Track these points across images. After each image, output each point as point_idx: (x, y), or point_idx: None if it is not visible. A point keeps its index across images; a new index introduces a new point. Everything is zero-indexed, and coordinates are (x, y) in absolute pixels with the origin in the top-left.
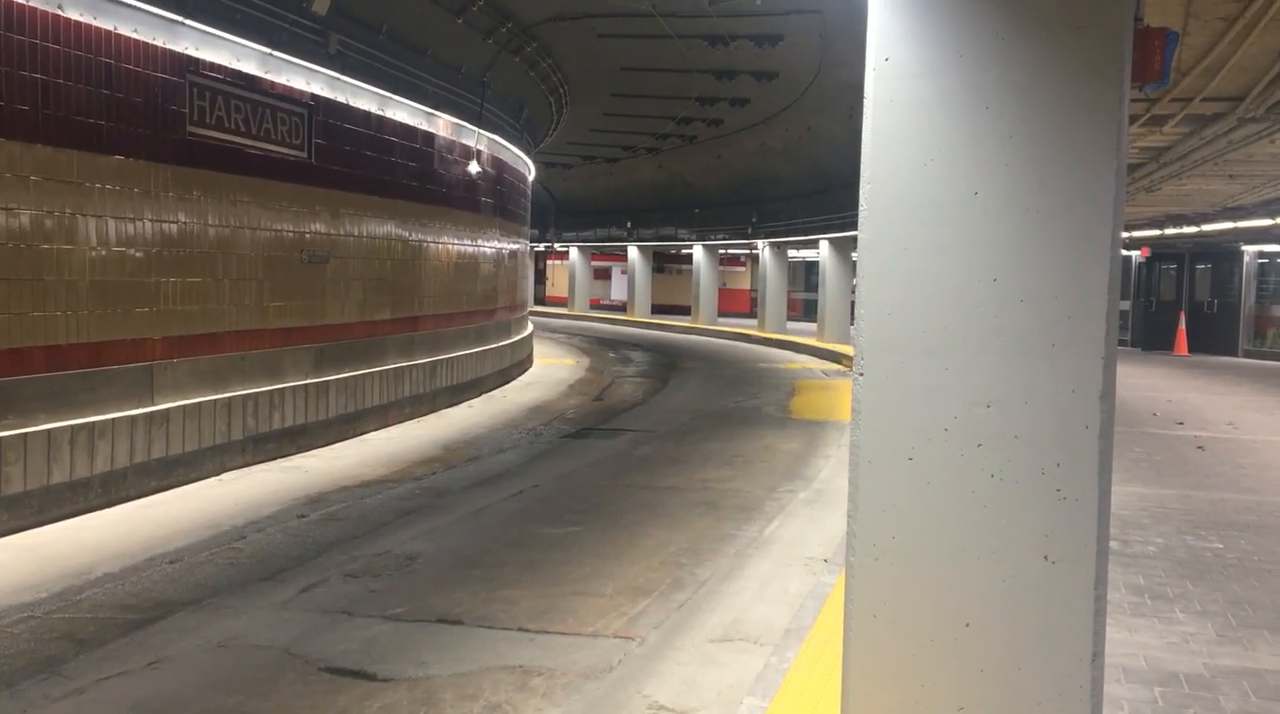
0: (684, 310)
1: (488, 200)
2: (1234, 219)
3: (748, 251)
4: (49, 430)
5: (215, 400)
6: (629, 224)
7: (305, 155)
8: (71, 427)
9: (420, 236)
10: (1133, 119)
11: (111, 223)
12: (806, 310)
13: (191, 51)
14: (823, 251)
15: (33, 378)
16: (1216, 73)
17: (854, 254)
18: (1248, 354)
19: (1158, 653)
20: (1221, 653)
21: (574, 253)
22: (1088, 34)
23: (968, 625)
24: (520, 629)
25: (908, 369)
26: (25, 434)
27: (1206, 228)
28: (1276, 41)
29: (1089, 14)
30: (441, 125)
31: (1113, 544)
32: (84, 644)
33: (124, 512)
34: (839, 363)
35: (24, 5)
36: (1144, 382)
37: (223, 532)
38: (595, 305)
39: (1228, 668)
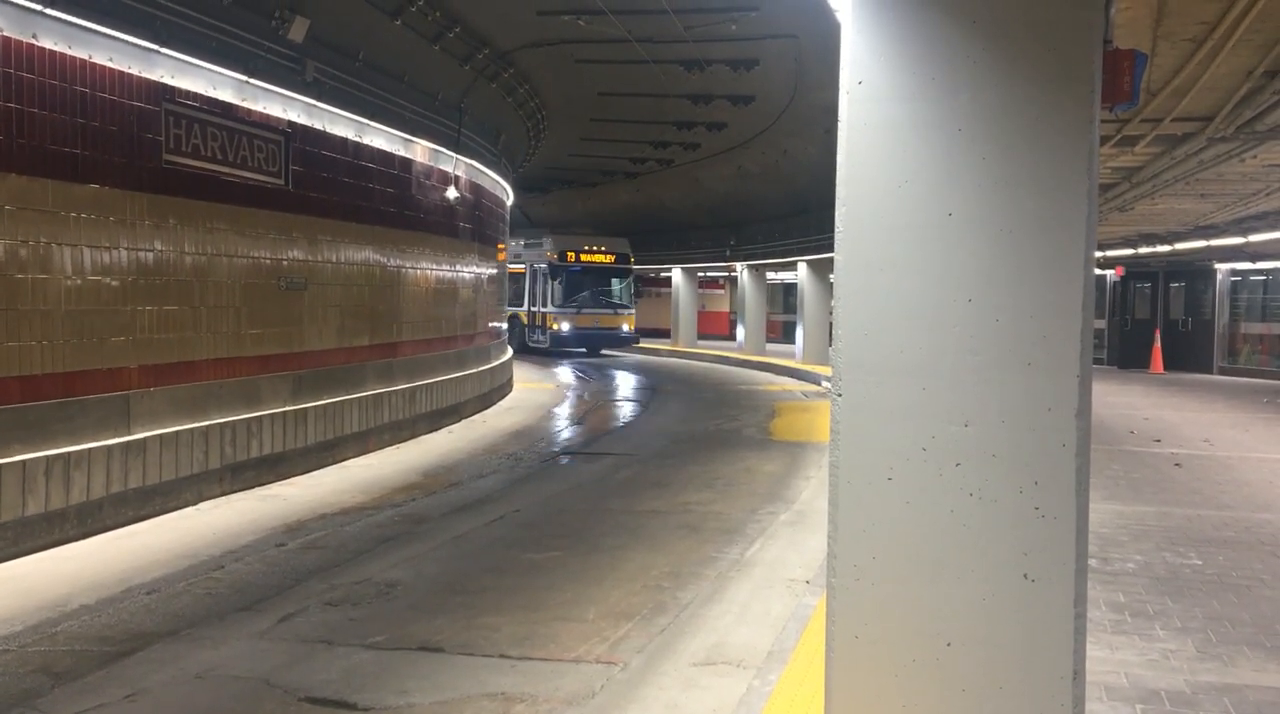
0: (663, 333)
1: (466, 225)
2: (1206, 237)
3: (726, 274)
4: (24, 461)
5: (193, 429)
6: None
7: (282, 182)
8: (47, 457)
9: (398, 262)
10: (1104, 140)
11: (87, 252)
12: (786, 332)
13: (167, 79)
14: (801, 273)
15: (7, 409)
16: (1186, 93)
17: (832, 276)
18: (1222, 371)
19: (1139, 670)
20: (1202, 669)
21: None
22: (1058, 57)
23: (949, 645)
24: (502, 656)
25: (886, 389)
26: (0, 466)
27: (1180, 246)
28: (1244, 62)
29: (1058, 37)
30: (419, 151)
31: (1092, 562)
32: (60, 677)
33: (101, 542)
34: (818, 384)
35: None
36: (1121, 399)
37: (201, 561)
38: None
39: (1209, 684)
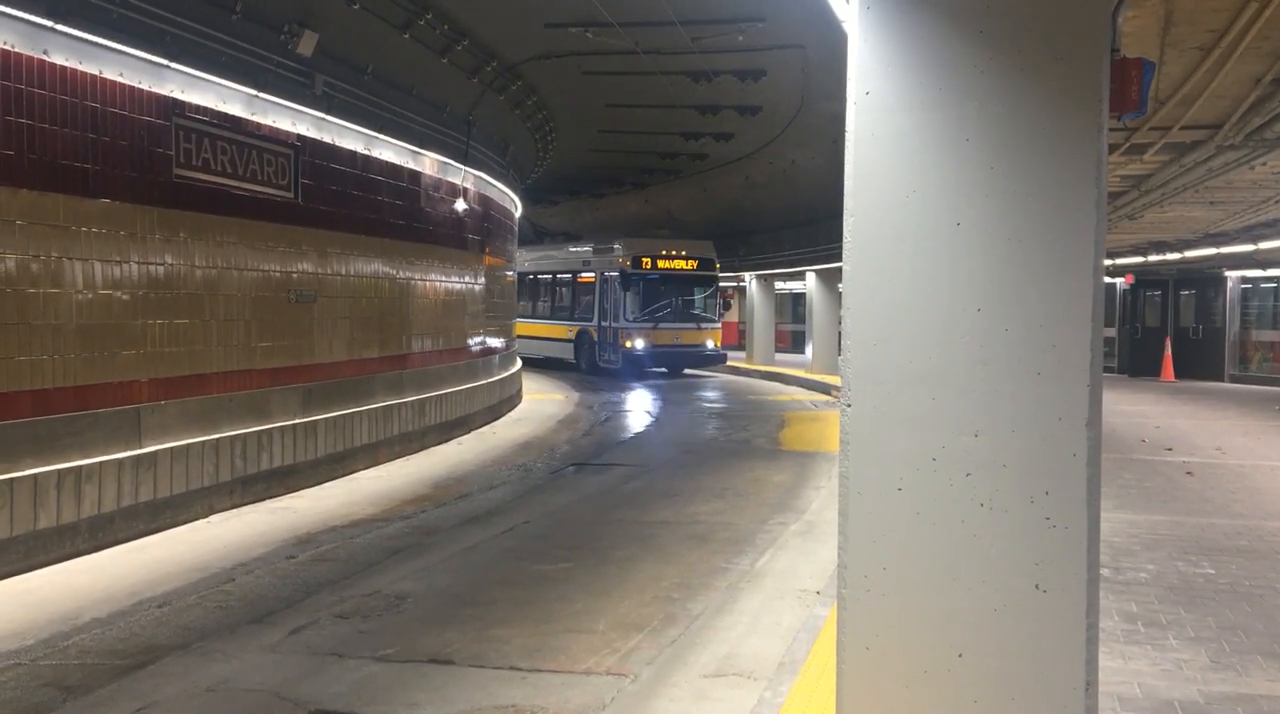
0: None
1: (474, 237)
2: (1216, 245)
3: (735, 284)
4: (35, 475)
5: (203, 442)
6: None
7: (292, 195)
8: (58, 471)
9: (407, 274)
10: (1112, 148)
11: (98, 266)
12: (795, 342)
13: (177, 94)
14: (809, 283)
15: (19, 423)
16: (1194, 101)
17: (840, 285)
18: (1233, 379)
19: (1152, 680)
20: (1216, 679)
21: None
22: (1065, 66)
23: (960, 656)
24: (512, 668)
25: (895, 399)
26: (12, 479)
27: (1189, 254)
28: (1252, 70)
29: (1066, 46)
30: (427, 164)
31: (1104, 571)
32: (71, 691)
33: (111, 555)
34: (828, 394)
35: (9, 51)
36: (1131, 408)
37: (211, 574)
38: None
39: (1222, 694)
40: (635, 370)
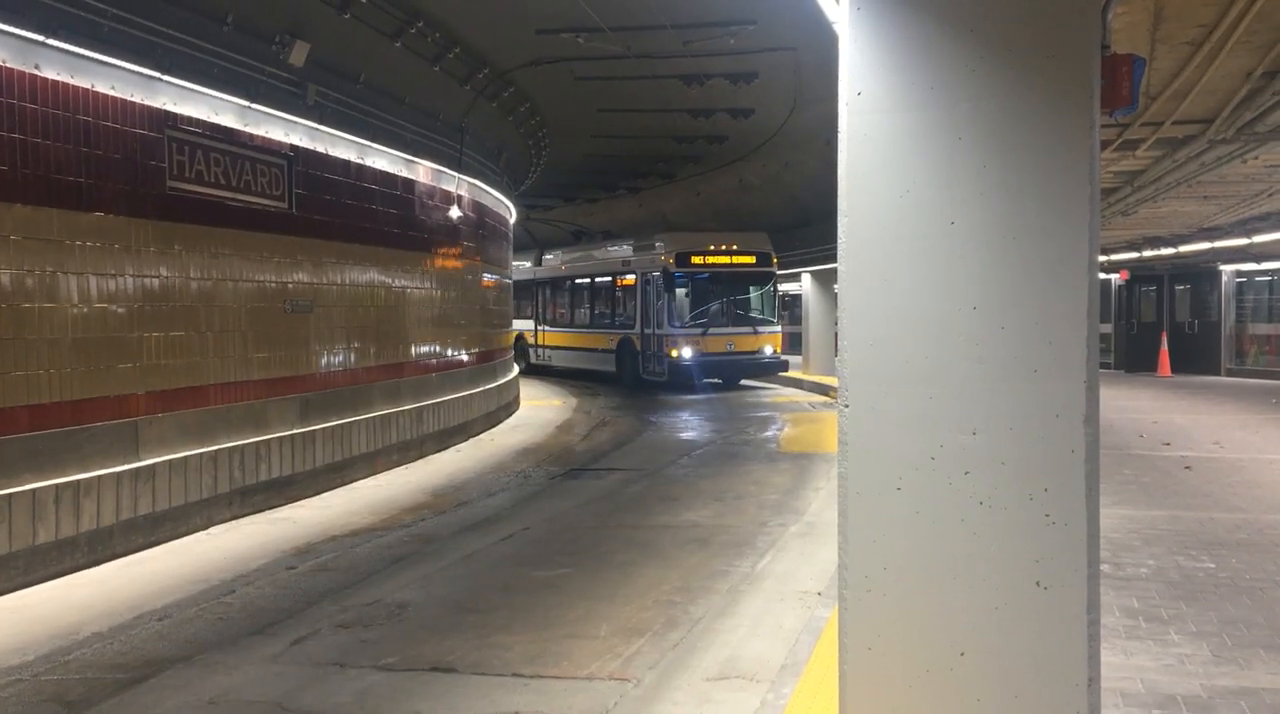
0: None
1: (470, 244)
2: (1210, 239)
3: None
4: (34, 490)
5: (201, 454)
6: None
7: (286, 206)
8: (56, 485)
9: (403, 283)
10: (1105, 144)
11: (93, 279)
12: (792, 343)
13: (170, 107)
14: (805, 284)
15: (16, 438)
16: (1185, 96)
17: (836, 286)
18: (1230, 373)
19: (1154, 675)
20: (1218, 673)
21: None
22: (1056, 64)
23: (963, 654)
24: (514, 675)
25: (893, 399)
26: (10, 495)
27: (1184, 249)
28: (1243, 64)
29: (1057, 44)
30: (421, 172)
31: (1105, 567)
32: (73, 706)
33: (111, 569)
34: (825, 395)
35: (0, 66)
36: (1129, 403)
37: (212, 586)
38: None
39: (1225, 688)
40: (684, 383)
